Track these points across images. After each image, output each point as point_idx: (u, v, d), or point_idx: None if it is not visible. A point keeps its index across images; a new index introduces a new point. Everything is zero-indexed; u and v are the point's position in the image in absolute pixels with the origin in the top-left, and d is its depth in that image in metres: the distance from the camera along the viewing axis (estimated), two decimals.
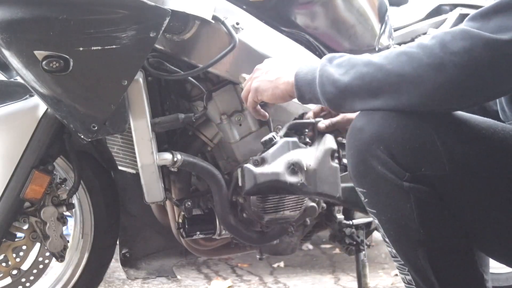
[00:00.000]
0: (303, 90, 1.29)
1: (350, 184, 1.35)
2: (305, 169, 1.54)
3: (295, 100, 1.68)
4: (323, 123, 1.57)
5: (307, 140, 1.76)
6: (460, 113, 1.15)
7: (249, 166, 1.54)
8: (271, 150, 1.57)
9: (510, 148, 1.13)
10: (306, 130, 1.77)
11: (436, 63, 1.08)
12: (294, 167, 1.54)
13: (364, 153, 1.14)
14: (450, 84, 1.07)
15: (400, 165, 1.12)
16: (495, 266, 1.42)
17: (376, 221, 1.21)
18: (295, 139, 1.60)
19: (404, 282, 1.24)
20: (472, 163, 1.11)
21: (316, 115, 1.59)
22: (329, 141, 1.56)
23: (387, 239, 1.21)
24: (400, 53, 1.13)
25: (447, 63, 1.07)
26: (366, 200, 1.19)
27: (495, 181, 1.13)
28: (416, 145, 1.11)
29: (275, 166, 1.54)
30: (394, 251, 1.21)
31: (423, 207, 1.13)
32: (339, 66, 1.20)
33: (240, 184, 1.57)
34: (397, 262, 1.23)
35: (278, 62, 1.40)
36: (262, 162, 1.55)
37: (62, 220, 1.70)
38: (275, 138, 1.59)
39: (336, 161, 1.57)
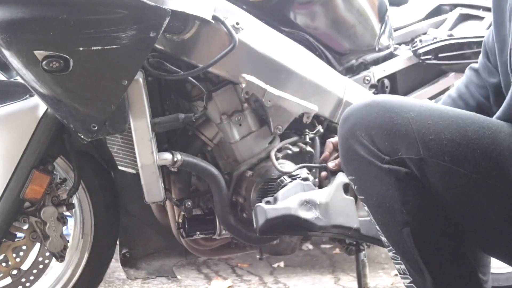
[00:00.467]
0: None
1: (368, 218, 1.37)
2: (319, 203, 1.51)
3: (294, 99, 1.69)
4: (333, 162, 1.59)
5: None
6: (435, 105, 1.24)
7: (261, 204, 1.51)
8: (283, 189, 1.57)
9: (483, 140, 1.17)
10: (307, 130, 1.78)
11: None
12: (308, 203, 1.51)
13: (348, 140, 1.23)
14: None
15: (380, 150, 1.19)
16: (495, 266, 1.42)
17: (366, 208, 1.26)
18: (309, 182, 1.61)
19: (400, 273, 1.26)
20: (444, 150, 1.17)
21: (326, 159, 1.61)
22: (341, 177, 1.55)
23: (377, 226, 1.25)
24: None
25: None
26: (356, 187, 1.26)
27: (466, 169, 1.17)
28: (394, 131, 1.18)
29: (287, 202, 1.51)
30: (385, 238, 1.24)
31: (403, 187, 1.18)
32: None
33: (254, 225, 1.52)
34: (390, 252, 1.25)
35: None
36: (274, 201, 1.53)
37: (62, 220, 1.70)
38: (286, 180, 1.60)
39: (350, 194, 1.55)
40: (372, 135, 1.19)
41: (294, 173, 1.68)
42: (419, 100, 1.24)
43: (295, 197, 1.52)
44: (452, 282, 1.21)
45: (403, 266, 1.24)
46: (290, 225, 1.50)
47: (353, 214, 1.53)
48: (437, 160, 1.16)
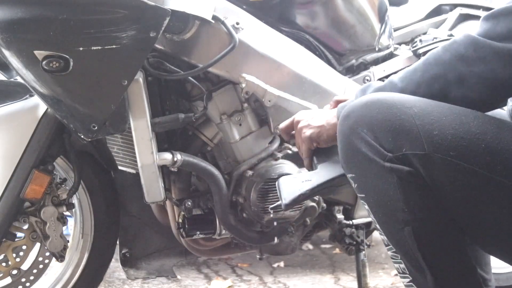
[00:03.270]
0: None
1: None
2: None
3: (294, 99, 1.69)
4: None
5: None
6: (437, 102, 1.21)
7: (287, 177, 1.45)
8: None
9: (487, 134, 1.17)
10: None
11: (458, 77, 1.17)
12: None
13: (349, 136, 1.21)
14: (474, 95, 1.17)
15: (382, 146, 1.17)
16: (495, 266, 1.43)
17: (366, 207, 1.24)
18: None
19: (399, 273, 1.26)
20: (449, 145, 1.16)
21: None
22: None
23: (377, 225, 1.24)
24: (431, 78, 1.20)
25: (468, 76, 1.16)
26: (356, 185, 1.24)
27: (471, 165, 1.16)
28: (397, 127, 1.16)
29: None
30: (385, 237, 1.24)
31: (406, 186, 1.17)
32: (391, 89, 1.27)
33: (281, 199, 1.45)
34: (390, 251, 1.25)
35: (315, 111, 1.46)
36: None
37: (62, 220, 1.70)
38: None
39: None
40: (375, 131, 1.18)
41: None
42: (419, 97, 1.22)
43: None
44: (453, 280, 1.21)
45: (402, 265, 1.23)
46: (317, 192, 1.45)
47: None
48: (442, 155, 1.15)
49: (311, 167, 1.45)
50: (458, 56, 1.16)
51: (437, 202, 1.18)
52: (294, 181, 1.40)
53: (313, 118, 1.41)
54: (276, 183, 1.43)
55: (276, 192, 1.67)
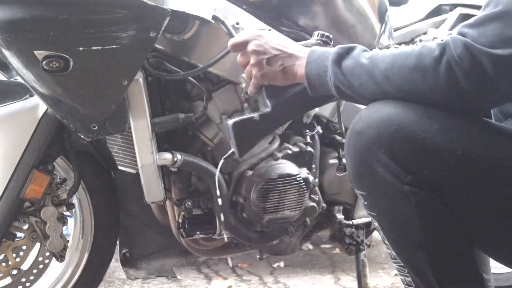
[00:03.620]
0: (317, 89, 1.29)
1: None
2: None
3: None
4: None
5: (308, 140, 1.76)
6: (451, 114, 1.16)
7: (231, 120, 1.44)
8: None
9: (508, 151, 1.13)
10: (307, 130, 1.78)
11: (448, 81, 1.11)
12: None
13: (364, 156, 1.15)
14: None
15: (402, 167, 1.12)
16: (495, 266, 1.42)
17: (376, 224, 1.21)
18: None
19: (404, 283, 1.25)
20: (475, 165, 1.12)
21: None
22: None
23: (387, 242, 1.22)
24: (410, 69, 1.14)
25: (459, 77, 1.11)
26: (366, 203, 1.20)
27: (495, 182, 1.13)
28: (418, 146, 1.11)
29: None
30: (394, 253, 1.22)
31: (424, 211, 1.13)
32: (348, 74, 1.22)
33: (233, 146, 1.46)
34: (396, 264, 1.23)
35: (280, 43, 1.36)
36: None
37: (62, 220, 1.70)
38: None
39: None
40: (394, 150, 1.12)
41: (294, 174, 1.68)
42: (431, 108, 1.15)
43: None
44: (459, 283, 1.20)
45: (408, 278, 1.22)
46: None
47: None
48: (467, 177, 1.12)
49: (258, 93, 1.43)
50: (453, 61, 1.12)
51: (454, 223, 1.15)
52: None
53: (275, 56, 1.33)
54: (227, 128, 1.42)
55: (276, 192, 1.67)
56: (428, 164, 1.11)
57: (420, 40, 2.07)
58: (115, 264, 2.16)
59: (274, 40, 1.36)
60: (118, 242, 1.86)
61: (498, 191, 1.13)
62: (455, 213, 1.15)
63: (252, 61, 1.37)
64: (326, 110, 1.78)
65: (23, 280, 1.71)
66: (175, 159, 1.61)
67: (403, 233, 1.16)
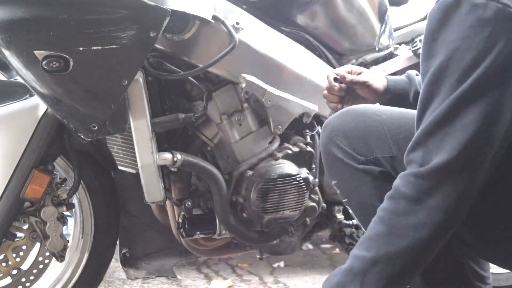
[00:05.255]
0: None
1: None
2: None
3: (294, 99, 1.69)
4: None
5: (308, 140, 1.77)
6: (407, 110, 1.31)
7: None
8: None
9: None
10: (307, 130, 1.78)
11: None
12: None
13: (327, 145, 1.32)
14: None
15: (356, 151, 1.28)
16: (494, 266, 1.43)
17: (350, 210, 1.33)
18: None
19: None
20: None
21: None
22: None
23: (363, 228, 1.30)
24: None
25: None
26: (339, 191, 1.34)
27: None
28: (368, 132, 1.27)
29: None
30: None
31: (380, 184, 1.26)
32: None
33: None
34: None
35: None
36: None
37: (62, 220, 1.70)
38: None
39: None
40: (349, 137, 1.28)
41: (294, 174, 1.68)
42: (391, 107, 1.32)
43: None
44: (442, 278, 1.28)
45: None
46: None
47: None
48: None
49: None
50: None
51: None
52: None
53: None
54: None
55: (276, 192, 1.67)
56: (377, 148, 1.26)
57: (420, 40, 2.07)
58: (115, 264, 2.16)
59: None
60: (118, 242, 1.86)
61: None
62: None
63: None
64: (326, 110, 1.78)
65: (23, 280, 1.71)
66: (175, 159, 1.61)
67: (368, 211, 1.25)
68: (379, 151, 1.26)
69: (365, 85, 1.50)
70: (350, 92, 1.53)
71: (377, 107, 1.33)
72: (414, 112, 1.20)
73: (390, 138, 1.25)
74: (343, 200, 1.34)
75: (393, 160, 1.25)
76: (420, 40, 2.07)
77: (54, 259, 1.72)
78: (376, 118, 1.28)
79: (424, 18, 2.33)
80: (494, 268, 1.42)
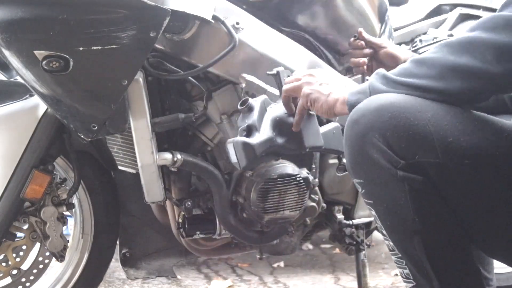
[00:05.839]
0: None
1: (326, 130, 1.51)
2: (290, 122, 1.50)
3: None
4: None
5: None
6: (446, 106, 1.17)
7: (241, 139, 1.49)
8: (254, 115, 1.53)
9: (503, 142, 1.14)
10: None
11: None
12: (281, 125, 1.50)
13: (360, 143, 1.17)
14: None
15: (395, 153, 1.14)
16: (496, 266, 1.43)
17: (373, 213, 1.22)
18: (265, 96, 1.56)
19: (402, 277, 1.25)
20: (464, 153, 1.13)
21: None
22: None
23: (384, 231, 1.22)
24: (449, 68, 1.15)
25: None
26: (363, 190, 1.21)
27: (486, 173, 1.14)
28: (410, 133, 1.13)
29: (265, 131, 1.50)
30: (391, 243, 1.23)
31: (418, 196, 1.15)
32: (386, 84, 1.22)
33: (232, 160, 1.52)
34: (394, 256, 1.24)
35: (331, 77, 1.39)
36: (250, 130, 1.52)
37: (62, 220, 1.70)
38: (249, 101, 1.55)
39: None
40: (387, 136, 1.14)
41: (294, 174, 1.68)
42: (424, 100, 1.17)
43: (267, 122, 1.51)
44: (459, 285, 1.20)
45: (406, 271, 1.22)
46: (272, 153, 1.54)
47: (318, 132, 1.54)
48: (457, 164, 1.12)
49: (297, 126, 1.47)
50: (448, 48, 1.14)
51: (447, 211, 1.16)
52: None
53: (322, 83, 1.36)
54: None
55: (276, 192, 1.67)
56: (420, 150, 1.13)
57: (420, 40, 2.07)
58: (115, 264, 2.16)
59: (327, 79, 1.38)
60: (118, 242, 1.86)
61: (489, 182, 1.14)
62: (447, 202, 1.16)
63: (301, 83, 1.40)
64: None
65: (23, 280, 1.71)
66: (175, 159, 1.61)
67: (398, 220, 1.17)
68: (423, 154, 1.12)
69: (380, 47, 1.54)
70: (375, 58, 1.55)
71: (417, 100, 1.15)
72: (457, 109, 1.15)
73: (437, 141, 1.12)
74: (366, 201, 1.22)
75: (439, 166, 1.12)
76: (420, 40, 2.07)
77: (54, 259, 1.72)
78: (421, 115, 1.13)
79: (424, 18, 2.33)
80: (495, 268, 1.42)
